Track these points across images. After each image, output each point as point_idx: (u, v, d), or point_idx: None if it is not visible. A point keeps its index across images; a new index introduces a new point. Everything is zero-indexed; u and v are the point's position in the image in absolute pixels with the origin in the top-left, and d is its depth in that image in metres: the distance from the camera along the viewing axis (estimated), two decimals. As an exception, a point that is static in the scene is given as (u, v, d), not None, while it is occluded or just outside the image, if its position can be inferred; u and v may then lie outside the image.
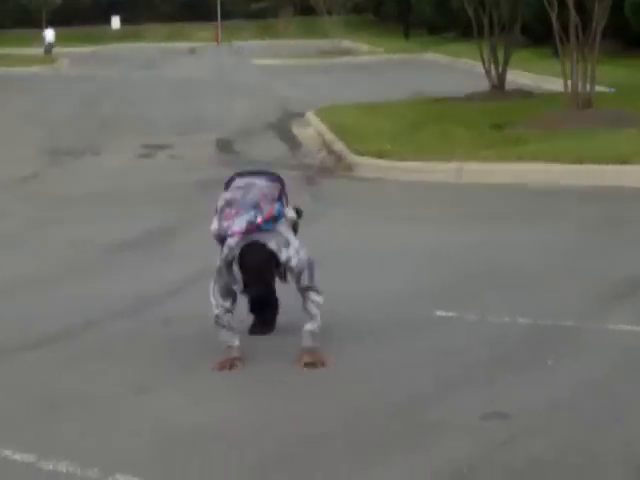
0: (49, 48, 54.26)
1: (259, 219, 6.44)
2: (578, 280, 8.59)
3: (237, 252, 6.48)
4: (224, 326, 6.68)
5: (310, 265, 6.54)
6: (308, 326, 6.59)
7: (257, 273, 6.49)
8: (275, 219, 6.53)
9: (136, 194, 13.69)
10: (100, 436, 5.67)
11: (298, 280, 6.56)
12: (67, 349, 7.33)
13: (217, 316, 6.67)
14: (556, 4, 17.75)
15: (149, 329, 7.70)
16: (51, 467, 5.22)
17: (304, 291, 6.57)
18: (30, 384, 6.61)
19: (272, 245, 6.45)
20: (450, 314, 7.72)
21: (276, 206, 6.57)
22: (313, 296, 6.56)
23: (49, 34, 55.14)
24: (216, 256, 6.78)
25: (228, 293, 6.68)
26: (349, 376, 6.50)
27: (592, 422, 5.62)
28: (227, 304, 6.67)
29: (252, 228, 6.44)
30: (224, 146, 18.58)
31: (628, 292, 8.15)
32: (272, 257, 6.47)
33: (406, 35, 56.01)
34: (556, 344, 7.00)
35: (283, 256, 6.47)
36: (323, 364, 6.59)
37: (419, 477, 4.98)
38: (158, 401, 6.24)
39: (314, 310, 6.58)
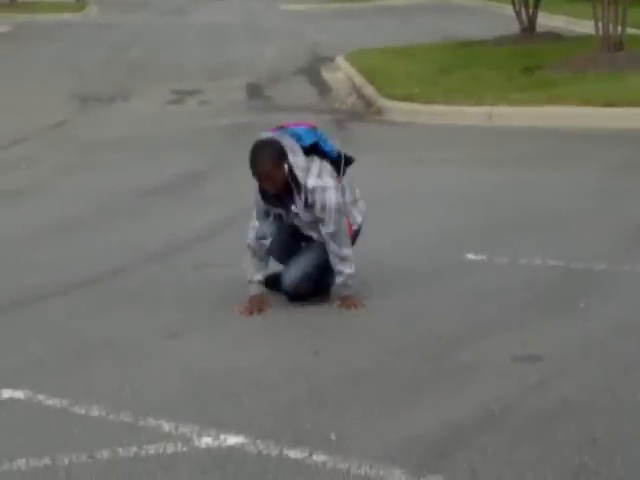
0: None
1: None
2: (609, 223, 8.51)
3: None
4: (252, 254, 6.67)
5: (337, 212, 6.48)
6: (338, 279, 6.59)
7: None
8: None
9: (166, 139, 13.65)
10: (131, 381, 5.67)
11: (321, 220, 6.51)
12: (97, 294, 7.33)
13: (248, 238, 6.69)
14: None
15: (179, 274, 7.69)
16: (84, 412, 5.22)
17: (327, 238, 6.51)
18: (61, 330, 6.61)
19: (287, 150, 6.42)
20: (481, 257, 7.67)
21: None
22: (334, 248, 6.51)
23: None
24: (247, 200, 6.75)
25: (265, 215, 6.65)
26: (381, 320, 6.48)
27: (623, 364, 5.58)
28: (257, 224, 6.65)
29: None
30: (254, 91, 18.47)
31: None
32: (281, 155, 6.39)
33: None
34: (587, 287, 6.95)
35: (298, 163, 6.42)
36: (356, 307, 6.57)
37: (450, 418, 4.95)
38: (188, 346, 6.23)
39: (337, 266, 6.54)
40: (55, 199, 10.45)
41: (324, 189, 6.41)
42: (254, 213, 6.73)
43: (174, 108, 16.92)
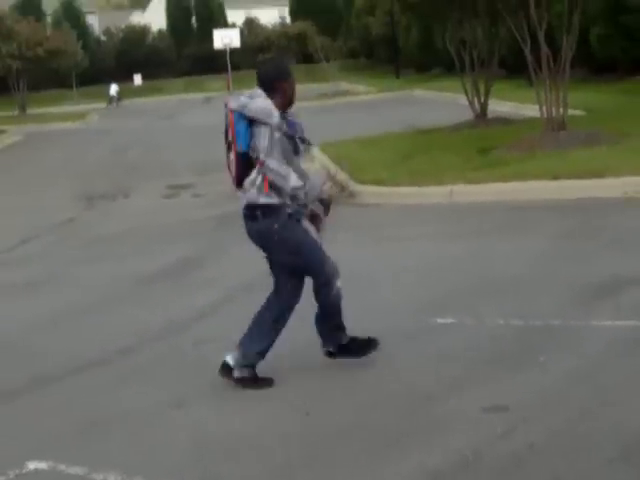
0: (114, 99, 55.62)
1: None
2: (560, 284, 8.58)
3: None
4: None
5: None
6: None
7: None
8: None
9: (163, 230, 13.71)
10: (143, 448, 5.68)
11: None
12: (106, 372, 7.34)
13: (292, 182, 6.21)
14: (528, 39, 17.78)
15: (180, 351, 7.70)
16: (101, 477, 5.23)
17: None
18: (76, 405, 6.62)
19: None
20: (449, 320, 7.71)
21: None
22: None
23: (113, 88, 56.73)
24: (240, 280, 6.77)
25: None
26: (360, 379, 6.50)
27: (581, 410, 5.62)
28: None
29: None
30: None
31: (607, 291, 8.13)
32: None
33: (397, 75, 56.17)
34: (546, 341, 6.99)
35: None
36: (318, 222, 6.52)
37: (429, 466, 4.97)
38: (192, 414, 6.24)
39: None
40: (65, 289, 10.46)
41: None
42: (280, 162, 6.21)
43: (169, 201, 17.00)
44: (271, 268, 6.59)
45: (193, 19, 76.03)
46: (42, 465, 5.52)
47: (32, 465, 5.52)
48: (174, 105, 49.59)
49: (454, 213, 12.90)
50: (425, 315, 7.91)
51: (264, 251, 6.52)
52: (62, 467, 5.46)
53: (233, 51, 61.87)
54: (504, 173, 14.14)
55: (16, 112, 47.58)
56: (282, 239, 6.29)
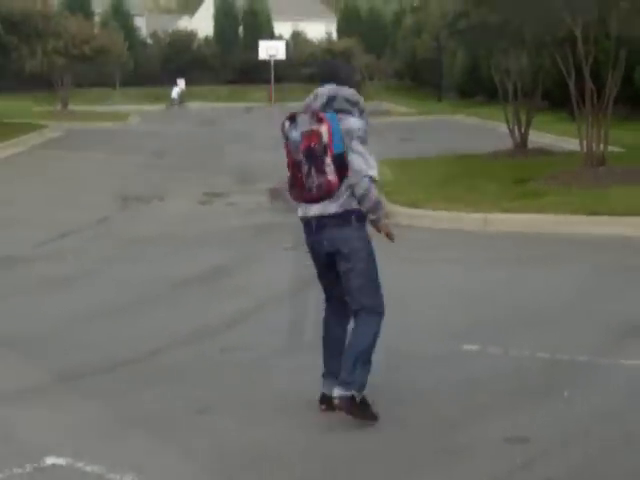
0: (175, 101, 56.14)
1: None
2: (593, 319, 8.57)
3: None
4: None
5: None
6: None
7: None
8: None
9: (197, 236, 13.77)
10: (162, 451, 5.72)
11: None
12: (134, 373, 7.40)
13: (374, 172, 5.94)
14: (573, 73, 17.78)
15: (208, 356, 7.75)
16: (118, 477, 5.27)
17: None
18: (100, 404, 6.65)
19: None
20: (475, 347, 7.72)
21: None
22: None
23: (175, 90, 57.29)
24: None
25: None
26: (385, 400, 6.51)
27: (603, 448, 5.61)
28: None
29: None
30: (276, 194, 18.66)
31: (639, 331, 8.12)
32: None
33: (439, 98, 56.13)
34: (571, 376, 6.99)
35: None
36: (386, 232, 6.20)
37: (448, 493, 5.00)
38: (215, 421, 6.28)
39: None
40: (98, 286, 10.54)
41: None
42: (367, 152, 5.99)
43: (205, 208, 17.07)
44: (331, 284, 6.26)
45: (240, 28, 76.28)
46: (60, 461, 5.56)
47: (50, 460, 5.56)
48: (216, 112, 49.71)
49: (487, 241, 12.90)
50: (451, 340, 7.92)
51: (340, 259, 6.06)
52: (80, 464, 5.50)
53: (277, 63, 62.04)
54: (540, 204, 14.13)
55: (58, 107, 47.86)
56: (360, 246, 6.05)
